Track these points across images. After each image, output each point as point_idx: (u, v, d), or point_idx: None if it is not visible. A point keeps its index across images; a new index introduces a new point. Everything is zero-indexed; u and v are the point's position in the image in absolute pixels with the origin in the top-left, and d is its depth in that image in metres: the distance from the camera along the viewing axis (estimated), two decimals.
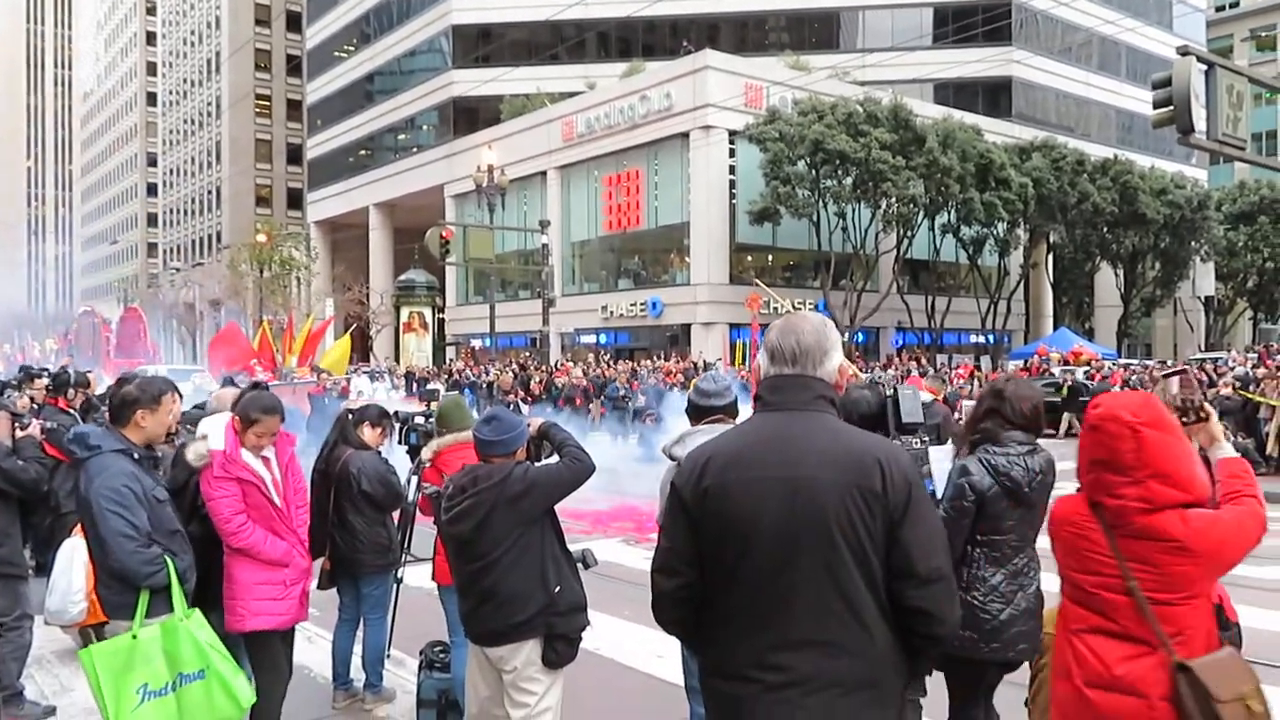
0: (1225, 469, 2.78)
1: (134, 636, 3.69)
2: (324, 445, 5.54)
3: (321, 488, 5.36)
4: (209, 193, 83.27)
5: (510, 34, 45.92)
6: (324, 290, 54.56)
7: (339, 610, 5.58)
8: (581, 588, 3.80)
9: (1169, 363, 25.10)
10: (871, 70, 39.76)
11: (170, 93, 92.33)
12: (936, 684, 3.78)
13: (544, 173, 40.94)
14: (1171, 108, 13.03)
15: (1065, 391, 21.93)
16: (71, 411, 8.70)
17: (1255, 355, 24.83)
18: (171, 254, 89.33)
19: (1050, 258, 42.38)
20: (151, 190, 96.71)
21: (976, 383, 25.78)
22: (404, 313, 43.58)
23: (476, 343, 40.16)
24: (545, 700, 3.66)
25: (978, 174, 32.85)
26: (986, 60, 39.88)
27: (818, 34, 44.93)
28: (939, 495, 3.69)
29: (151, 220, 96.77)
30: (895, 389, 3.70)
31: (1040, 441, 3.74)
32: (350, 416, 5.62)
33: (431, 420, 6.14)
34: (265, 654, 4.28)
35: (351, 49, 57.81)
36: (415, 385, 26.47)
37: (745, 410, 2.79)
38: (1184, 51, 13.42)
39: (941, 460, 3.85)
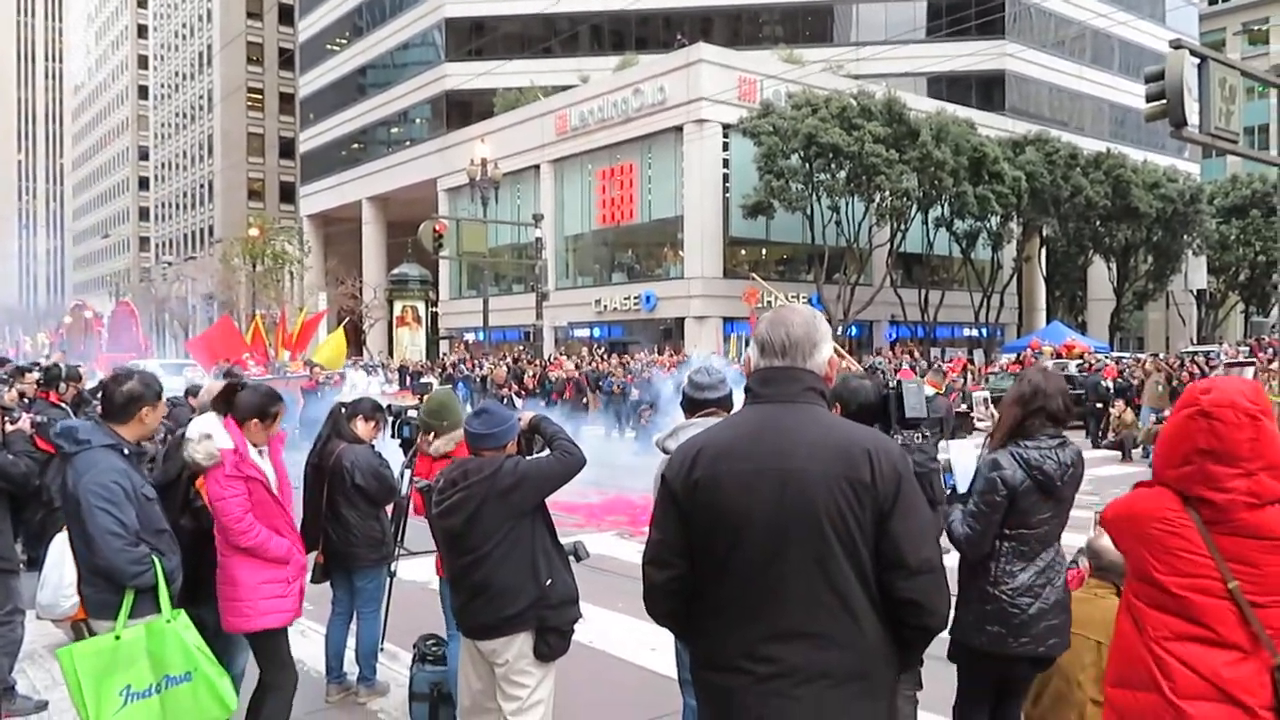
0: None
1: (117, 637, 3.63)
2: (317, 439, 5.53)
3: (315, 482, 5.36)
4: (201, 187, 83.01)
5: (503, 27, 45.84)
6: (317, 284, 54.46)
7: (332, 604, 5.57)
8: (573, 580, 3.80)
9: (1229, 352, 24.68)
10: (865, 64, 39.74)
11: (162, 86, 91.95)
12: (935, 679, 3.79)
13: (537, 166, 40.90)
14: (1164, 101, 13.06)
15: None
16: (63, 405, 8.67)
17: (1247, 348, 24.93)
18: (164, 248, 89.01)
19: (1043, 251, 42.49)
20: (143, 184, 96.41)
21: (970, 376, 25.83)
22: (397, 307, 43.51)
23: (470, 337, 40.14)
24: (537, 693, 3.67)
25: (971, 168, 32.91)
26: (980, 54, 39.90)
27: (811, 27, 44.93)
28: (959, 490, 3.66)
29: (143, 214, 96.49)
30: (899, 383, 3.67)
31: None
32: (343, 410, 5.62)
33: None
34: (275, 651, 4.25)
35: (344, 42, 57.65)
36: (409, 379, 26.43)
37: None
38: (1177, 45, 13.45)
39: (965, 454, 3.79)
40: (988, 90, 44.28)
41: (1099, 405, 19.93)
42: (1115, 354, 31.21)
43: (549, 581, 3.64)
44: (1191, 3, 54.60)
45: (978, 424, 3.66)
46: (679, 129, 35.42)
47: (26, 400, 8.26)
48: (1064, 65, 46.74)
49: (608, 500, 11.88)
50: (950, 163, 31.86)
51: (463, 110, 47.19)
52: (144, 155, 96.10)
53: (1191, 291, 44.51)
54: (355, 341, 43.28)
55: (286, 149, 75.49)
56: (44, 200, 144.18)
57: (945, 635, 3.55)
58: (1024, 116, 42.78)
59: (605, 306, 38.21)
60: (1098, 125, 48.23)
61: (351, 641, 5.52)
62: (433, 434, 4.88)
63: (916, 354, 30.67)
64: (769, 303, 27.61)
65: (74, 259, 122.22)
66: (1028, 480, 3.44)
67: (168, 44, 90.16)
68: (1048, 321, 41.45)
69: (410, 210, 46.12)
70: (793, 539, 2.10)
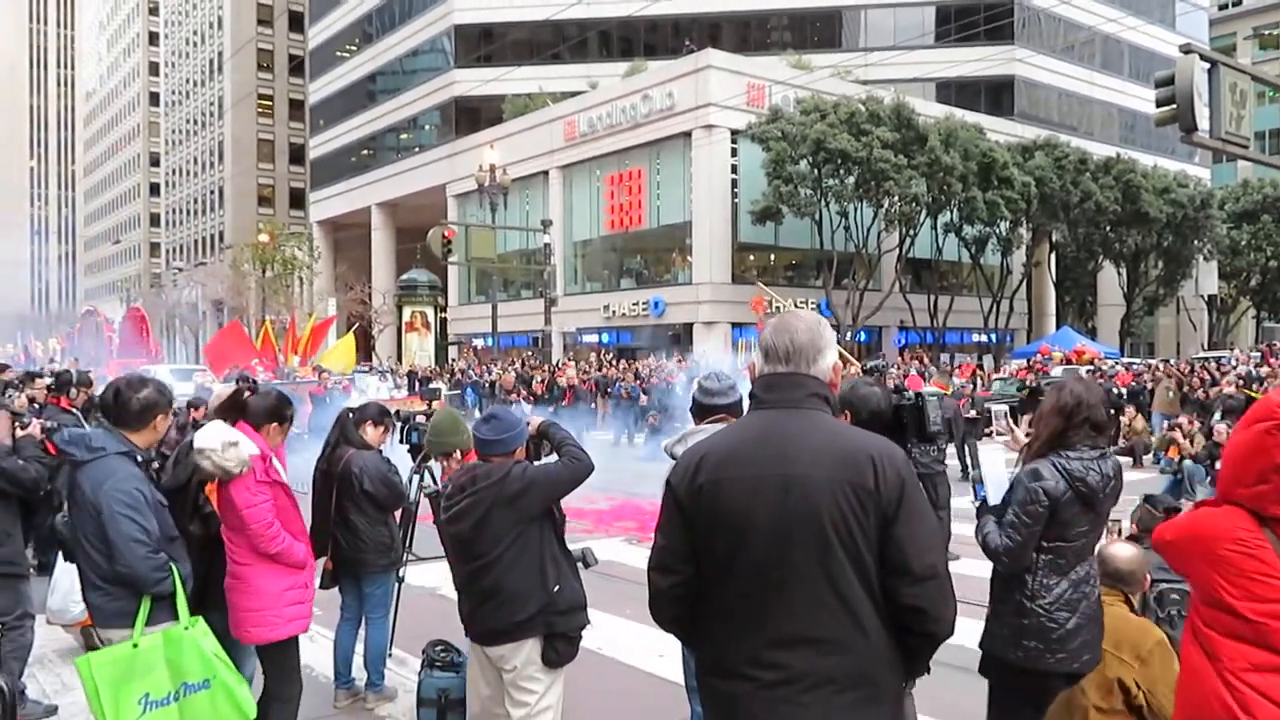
0: None
1: (134, 645, 3.62)
2: (325, 444, 5.53)
3: (323, 487, 5.36)
4: (211, 192, 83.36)
5: (512, 33, 45.92)
6: (326, 290, 54.62)
7: (341, 609, 5.57)
8: (581, 586, 3.80)
9: (1240, 358, 24.39)
10: (874, 69, 39.72)
11: (173, 92, 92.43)
12: (939, 683, 3.76)
13: (546, 172, 40.95)
14: (1174, 106, 13.01)
15: (1026, 391, 21.11)
16: (73, 411, 8.71)
17: (1259, 354, 24.81)
18: (174, 254, 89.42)
19: (1053, 257, 42.35)
20: (154, 190, 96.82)
21: (979, 381, 25.76)
22: (406, 312, 43.66)
23: (479, 342, 40.21)
24: (545, 699, 3.67)
25: (980, 173, 32.83)
26: (989, 59, 39.83)
27: (820, 33, 44.93)
28: (990, 502, 3.57)
29: (154, 220, 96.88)
30: (919, 395, 3.61)
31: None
32: (351, 416, 5.62)
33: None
34: (286, 661, 4.23)
35: (354, 49, 57.86)
36: (418, 384, 26.50)
37: None
38: (1187, 50, 13.40)
39: (996, 466, 3.70)
40: (997, 95, 44.21)
41: (1110, 412, 19.78)
42: (1126, 359, 31.09)
43: (557, 588, 3.64)
44: (1202, 7, 54.48)
45: (996, 438, 3.61)
46: (688, 134, 35.45)
47: (37, 406, 8.30)
48: (1073, 70, 46.64)
49: (616, 506, 11.90)
50: (959, 168, 31.80)
51: (472, 116, 47.31)
52: (155, 161, 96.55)
53: (1202, 297, 44.33)
54: (365, 347, 43.41)
55: (296, 155, 75.77)
56: (55, 206, 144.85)
57: (970, 647, 3.48)
58: (1033, 121, 42.69)
59: (614, 312, 38.21)
60: (1107, 130, 48.10)
61: (360, 647, 5.53)
62: (458, 452, 4.78)
63: (926, 359, 30.59)
64: (777, 309, 27.62)
65: (85, 265, 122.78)
66: (1069, 491, 3.37)
67: (179, 51, 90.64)
68: (1057, 327, 41.28)
69: (419, 216, 46.23)
70: (796, 544, 2.10)
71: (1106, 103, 48.60)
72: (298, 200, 75.29)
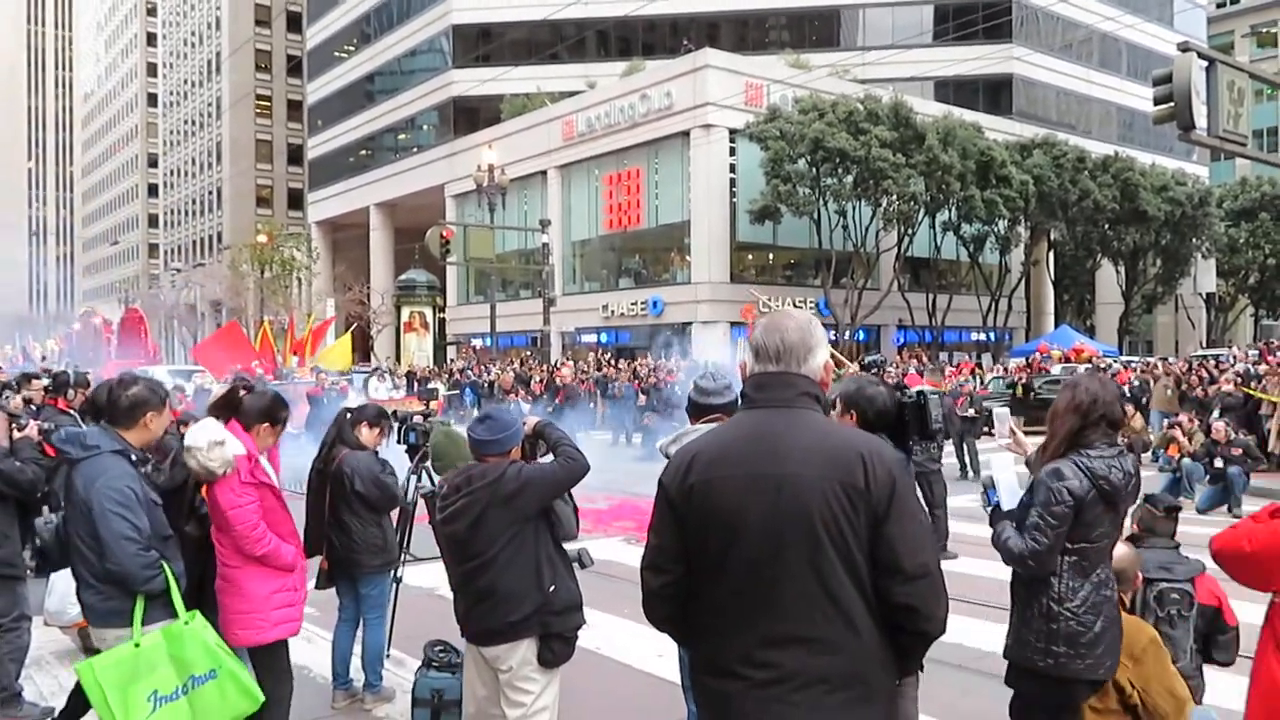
0: None
1: (136, 645, 3.62)
2: (322, 445, 5.53)
3: (319, 487, 5.36)
4: (210, 193, 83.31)
5: (510, 33, 45.90)
6: (325, 290, 54.58)
7: (338, 610, 5.57)
8: (577, 586, 3.80)
9: (1239, 356, 24.45)
10: (872, 68, 39.72)
11: (171, 93, 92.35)
12: (938, 682, 3.75)
13: (544, 172, 40.95)
14: (1172, 104, 13.01)
15: (1020, 391, 20.85)
16: (71, 412, 8.69)
17: (1257, 352, 24.78)
18: (172, 255, 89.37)
19: (1051, 255, 42.37)
20: (152, 191, 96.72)
21: (977, 379, 25.74)
22: (405, 312, 43.62)
23: (477, 342, 40.18)
24: (541, 699, 3.67)
25: (978, 171, 32.84)
26: (987, 57, 39.84)
27: (818, 32, 44.91)
28: (1005, 506, 3.47)
29: (152, 221, 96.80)
30: (921, 393, 3.59)
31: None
32: (348, 416, 5.62)
33: (430, 419, 6.15)
34: (276, 661, 4.22)
35: (352, 49, 57.82)
36: (416, 385, 26.50)
37: None
38: (1184, 48, 13.39)
39: (1006, 470, 3.60)
40: (995, 94, 44.21)
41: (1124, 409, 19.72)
42: (1125, 358, 31.10)
43: (552, 588, 3.64)
44: (1199, 5, 54.46)
45: (998, 441, 3.55)
46: (686, 134, 35.44)
47: (34, 407, 8.29)
48: (1071, 69, 46.63)
49: (615, 506, 11.92)
50: (957, 166, 31.81)
51: (470, 116, 47.30)
52: (153, 162, 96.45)
53: (1200, 295, 44.33)
54: (363, 347, 43.40)
55: (294, 156, 75.74)
56: (53, 207, 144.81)
57: (968, 646, 3.44)
58: (1031, 120, 42.69)
59: (612, 312, 38.21)
60: (1105, 128, 48.10)
61: (357, 648, 5.52)
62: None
63: (924, 358, 30.59)
64: (771, 309, 27.60)
65: (83, 266, 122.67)
66: (1093, 490, 3.28)
67: (177, 52, 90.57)
68: (1056, 325, 41.31)
69: (418, 216, 46.20)
70: (787, 543, 2.10)
71: (1105, 101, 48.60)
72: (296, 201, 75.26)
